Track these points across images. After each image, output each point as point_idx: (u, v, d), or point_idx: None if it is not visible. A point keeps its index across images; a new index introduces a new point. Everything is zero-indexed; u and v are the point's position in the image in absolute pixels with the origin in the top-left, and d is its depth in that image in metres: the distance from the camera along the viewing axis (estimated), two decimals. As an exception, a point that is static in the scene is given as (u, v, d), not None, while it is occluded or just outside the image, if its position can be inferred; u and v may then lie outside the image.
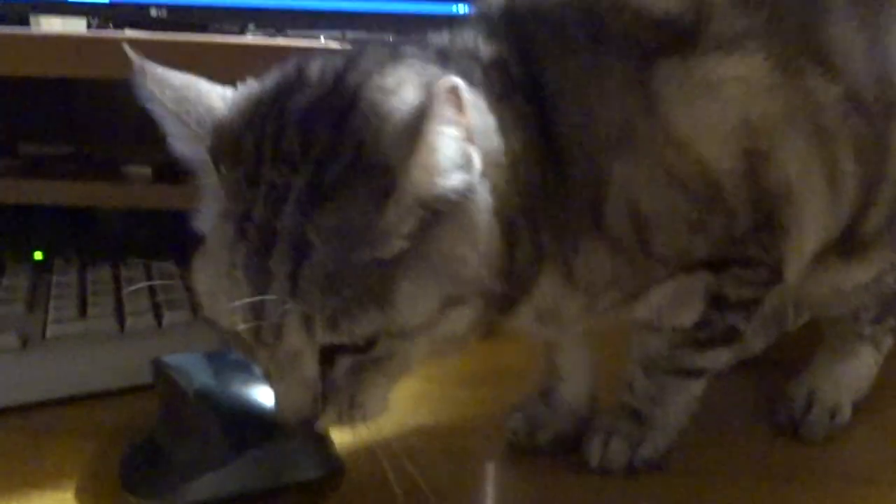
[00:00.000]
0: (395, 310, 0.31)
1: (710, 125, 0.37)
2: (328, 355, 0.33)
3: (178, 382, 0.41)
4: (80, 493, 0.42)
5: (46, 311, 0.55)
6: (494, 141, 0.34)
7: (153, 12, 0.91)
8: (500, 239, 0.34)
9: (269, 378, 0.35)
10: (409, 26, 0.95)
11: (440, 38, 0.38)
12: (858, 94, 0.40)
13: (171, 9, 0.91)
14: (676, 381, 0.44)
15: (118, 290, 0.58)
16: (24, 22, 1.00)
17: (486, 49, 0.37)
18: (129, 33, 0.82)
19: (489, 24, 0.39)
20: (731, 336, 0.42)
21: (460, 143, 0.31)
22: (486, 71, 0.36)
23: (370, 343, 0.32)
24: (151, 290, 0.59)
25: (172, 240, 0.75)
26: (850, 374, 0.50)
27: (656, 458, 0.44)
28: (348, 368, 0.33)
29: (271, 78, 0.35)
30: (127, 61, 0.33)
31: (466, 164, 0.32)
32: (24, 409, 0.49)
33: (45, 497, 0.41)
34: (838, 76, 0.39)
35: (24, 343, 0.51)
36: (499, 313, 0.36)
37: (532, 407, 0.47)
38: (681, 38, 0.37)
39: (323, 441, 0.40)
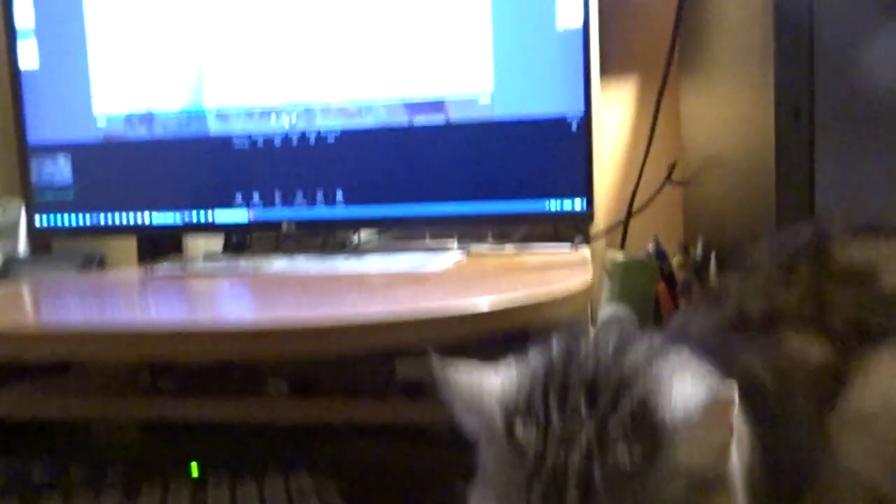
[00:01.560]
0: None
1: (873, 456, 0.41)
2: None
3: None
4: None
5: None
6: (744, 443, 0.39)
7: (284, 227, 1.06)
8: None
9: None
10: (502, 224, 1.05)
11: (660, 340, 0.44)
12: None
13: (299, 223, 1.06)
14: None
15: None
16: (178, 241, 1.18)
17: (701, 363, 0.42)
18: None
19: (693, 346, 0.44)
20: None
21: (726, 436, 0.37)
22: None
23: None
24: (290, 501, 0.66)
25: (308, 452, 0.84)
26: None
27: None
28: None
29: (539, 357, 0.42)
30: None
31: (726, 455, 0.37)
32: None
33: None
34: None
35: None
36: None
37: None
38: (838, 380, 0.43)
39: None
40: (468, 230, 1.09)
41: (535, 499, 0.37)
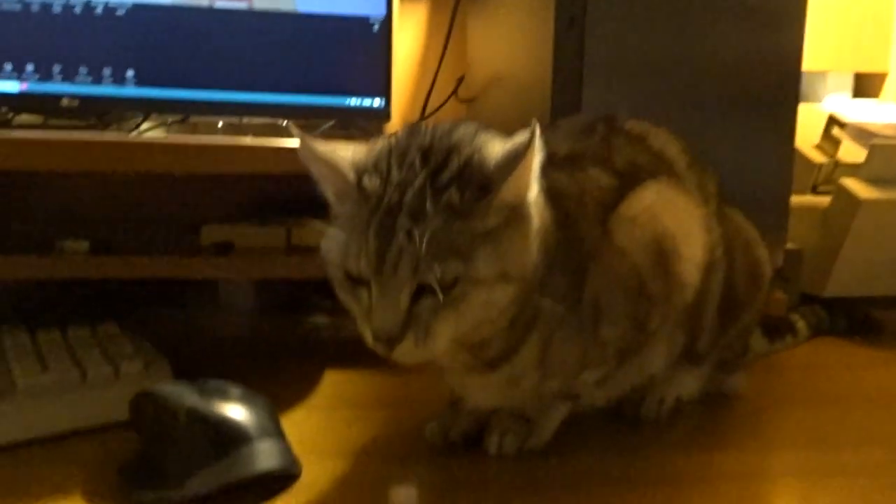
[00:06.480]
0: (472, 264, 0.50)
1: (635, 241, 0.61)
2: (418, 295, 0.50)
3: (168, 404, 0.54)
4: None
5: (10, 369, 0.64)
6: (546, 219, 0.55)
7: (65, 102, 1.03)
8: (536, 257, 0.53)
9: (363, 314, 0.51)
10: (301, 115, 1.12)
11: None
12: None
13: (82, 98, 1.03)
14: (560, 400, 0.64)
15: (70, 348, 0.69)
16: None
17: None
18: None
19: None
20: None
21: (533, 173, 0.51)
22: None
23: (452, 285, 0.49)
24: (102, 349, 0.69)
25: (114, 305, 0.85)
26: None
27: (539, 447, 0.63)
28: (429, 306, 0.50)
29: (387, 136, 0.55)
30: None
31: (530, 189, 0.52)
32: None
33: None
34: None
35: (-1, 395, 0.61)
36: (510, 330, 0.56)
37: (444, 415, 0.64)
38: (617, 195, 0.62)
39: (285, 445, 0.54)
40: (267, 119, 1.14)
41: (374, 227, 0.50)
